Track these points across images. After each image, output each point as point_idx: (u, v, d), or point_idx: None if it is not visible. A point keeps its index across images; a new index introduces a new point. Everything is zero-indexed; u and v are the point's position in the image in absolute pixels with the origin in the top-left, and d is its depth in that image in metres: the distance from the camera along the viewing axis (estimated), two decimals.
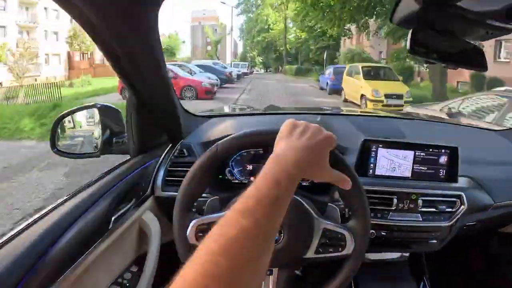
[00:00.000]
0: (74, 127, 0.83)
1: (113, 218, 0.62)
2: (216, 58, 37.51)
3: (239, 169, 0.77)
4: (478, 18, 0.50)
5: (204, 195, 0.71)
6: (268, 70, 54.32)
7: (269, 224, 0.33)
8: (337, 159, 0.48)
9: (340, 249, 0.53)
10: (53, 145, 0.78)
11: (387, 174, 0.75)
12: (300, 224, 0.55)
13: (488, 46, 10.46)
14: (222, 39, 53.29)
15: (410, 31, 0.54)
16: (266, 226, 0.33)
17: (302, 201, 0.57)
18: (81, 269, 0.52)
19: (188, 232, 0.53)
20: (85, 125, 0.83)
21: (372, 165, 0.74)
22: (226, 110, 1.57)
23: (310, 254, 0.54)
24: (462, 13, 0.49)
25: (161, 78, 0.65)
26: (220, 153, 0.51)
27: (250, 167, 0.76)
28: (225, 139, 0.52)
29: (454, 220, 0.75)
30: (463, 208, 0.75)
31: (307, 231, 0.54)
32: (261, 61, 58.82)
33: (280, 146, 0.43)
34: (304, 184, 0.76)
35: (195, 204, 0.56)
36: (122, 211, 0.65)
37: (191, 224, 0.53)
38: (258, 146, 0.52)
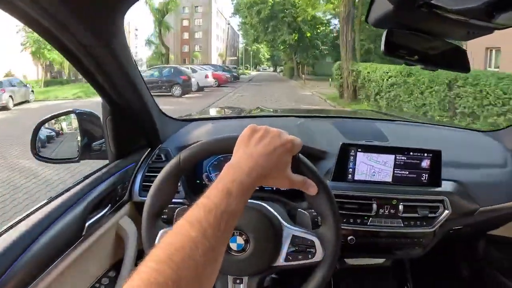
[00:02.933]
0: (54, 133, 0.83)
1: (87, 224, 0.61)
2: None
3: (216, 173, 0.76)
4: (457, 17, 0.47)
5: (180, 201, 0.70)
6: (279, 70, 43.22)
7: (217, 234, 0.33)
8: (300, 164, 0.47)
9: (310, 256, 0.51)
10: (34, 151, 0.78)
11: (366, 179, 0.73)
12: (267, 231, 0.53)
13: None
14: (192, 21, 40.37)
15: (384, 32, 0.53)
16: (214, 236, 0.33)
17: (269, 207, 0.56)
18: (55, 275, 0.52)
19: (156, 241, 0.52)
20: (65, 131, 0.83)
21: (351, 170, 0.73)
22: (212, 113, 1.56)
23: (280, 261, 0.53)
24: (438, 12, 0.47)
25: (132, 83, 0.65)
26: (183, 163, 0.51)
27: None
28: (187, 148, 0.51)
29: (438, 225, 0.73)
30: (447, 213, 0.73)
31: (275, 239, 0.53)
32: (269, 55, 47.78)
33: (238, 153, 0.43)
34: (281, 189, 0.75)
35: (165, 211, 0.56)
36: (97, 216, 0.65)
37: (159, 234, 0.52)
38: (220, 153, 0.52)
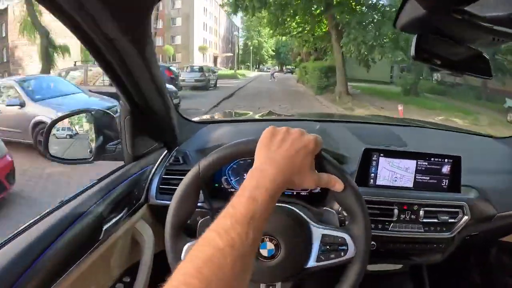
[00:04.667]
0: (67, 132, 0.81)
1: (104, 227, 0.60)
2: None
3: (236, 177, 0.75)
4: (485, 24, 0.47)
5: (199, 204, 0.69)
6: (286, 70, 35.35)
7: (246, 243, 0.33)
8: (323, 162, 0.46)
9: (342, 253, 0.50)
10: (47, 150, 0.76)
11: (388, 184, 0.72)
12: (296, 233, 0.53)
13: None
14: None
15: (415, 37, 0.52)
16: (242, 245, 0.32)
17: (296, 209, 0.55)
18: (72, 279, 0.51)
19: (182, 257, 0.51)
20: (79, 130, 0.82)
21: (373, 175, 0.72)
22: (228, 115, 1.55)
23: (312, 263, 0.52)
24: (469, 18, 0.46)
25: (155, 84, 0.63)
26: (203, 172, 0.50)
27: (246, 175, 0.74)
28: (206, 157, 0.50)
29: (457, 231, 0.73)
30: (466, 218, 0.73)
31: (305, 240, 0.52)
32: (274, 51, 38.71)
33: (259, 157, 0.42)
34: (302, 193, 0.74)
35: (188, 223, 0.54)
36: (114, 220, 0.63)
37: (184, 249, 0.51)
38: (240, 157, 0.51)
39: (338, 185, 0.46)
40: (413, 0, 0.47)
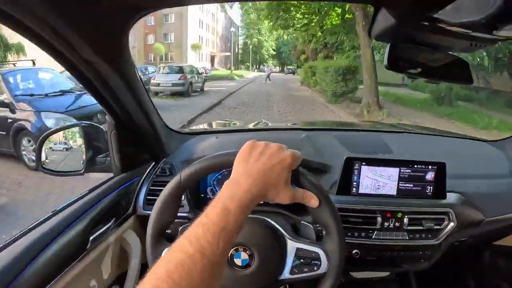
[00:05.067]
0: (59, 145, 0.84)
1: (91, 237, 0.62)
2: None
3: (221, 187, 0.76)
4: (459, 29, 0.47)
5: (184, 214, 0.71)
6: (287, 71, 33.22)
7: (216, 252, 0.34)
8: (300, 177, 0.47)
9: (315, 268, 0.51)
10: (39, 163, 0.79)
11: (371, 193, 0.73)
12: (271, 245, 0.54)
13: None
14: None
15: (388, 46, 0.53)
16: (212, 253, 0.34)
17: (272, 221, 0.56)
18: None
19: None
20: (70, 144, 0.84)
21: (355, 183, 0.73)
22: (216, 126, 1.56)
23: (285, 275, 0.53)
24: (441, 25, 0.47)
25: (137, 99, 0.65)
26: (184, 182, 0.51)
27: None
28: (187, 167, 0.52)
29: (443, 237, 0.73)
30: (452, 225, 0.73)
31: (279, 252, 0.53)
32: (275, 50, 35.66)
33: (237, 170, 0.43)
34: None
35: (169, 231, 0.56)
36: (101, 230, 0.65)
37: (163, 252, 0.53)
38: (220, 169, 0.52)
39: (313, 201, 0.47)
40: (383, 11, 0.48)
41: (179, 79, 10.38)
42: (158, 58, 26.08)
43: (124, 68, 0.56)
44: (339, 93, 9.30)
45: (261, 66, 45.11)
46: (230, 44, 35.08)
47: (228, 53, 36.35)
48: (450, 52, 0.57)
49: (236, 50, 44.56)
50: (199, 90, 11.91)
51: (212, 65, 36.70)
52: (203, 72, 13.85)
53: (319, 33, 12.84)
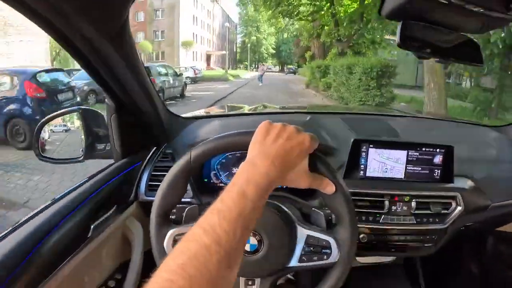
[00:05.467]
0: (57, 131, 0.81)
1: (93, 225, 0.60)
2: None
3: (225, 172, 0.75)
4: (473, 8, 0.46)
5: (188, 200, 0.69)
6: (287, 70, 31.31)
7: (233, 240, 0.32)
8: (317, 162, 0.45)
9: (325, 257, 0.50)
10: (37, 151, 0.76)
11: (378, 176, 0.72)
12: (281, 231, 0.52)
13: None
14: None
15: (399, 24, 0.51)
16: (229, 243, 0.31)
17: (283, 206, 0.55)
18: (62, 276, 0.51)
19: (165, 243, 0.51)
20: (69, 129, 0.82)
21: (362, 166, 0.72)
22: (217, 110, 1.54)
23: (294, 262, 0.51)
24: (456, 2, 0.45)
25: (139, 80, 0.63)
26: (194, 161, 0.49)
27: (235, 169, 0.74)
28: (198, 145, 0.49)
29: (450, 222, 0.72)
30: (460, 209, 0.72)
31: (289, 239, 0.52)
32: (274, 49, 33.67)
33: (253, 151, 0.41)
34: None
35: (174, 211, 0.55)
36: (103, 217, 0.63)
37: (167, 234, 0.51)
38: (233, 149, 0.50)
39: (329, 188, 0.45)
40: None
41: None
42: (144, 58, 23.52)
43: (125, 47, 0.54)
44: (369, 103, 6.85)
45: (259, 65, 43.07)
46: (227, 42, 32.97)
47: (223, 52, 33.65)
48: (462, 33, 0.56)
49: (235, 49, 42.67)
50: (178, 96, 9.71)
51: (208, 64, 34.78)
52: (181, 74, 10.67)
53: (330, 23, 10.33)
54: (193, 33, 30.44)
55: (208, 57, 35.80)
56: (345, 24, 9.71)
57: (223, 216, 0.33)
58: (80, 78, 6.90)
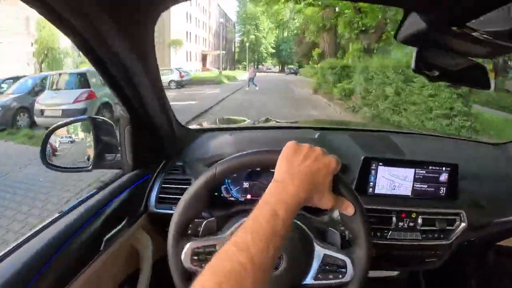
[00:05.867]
0: (66, 140, 0.81)
1: (105, 238, 0.60)
2: None
3: (236, 187, 0.75)
4: (483, 38, 0.48)
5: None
6: (288, 71, 29.19)
7: (266, 258, 0.33)
8: (339, 184, 0.47)
9: (340, 276, 0.51)
10: (44, 159, 0.76)
11: (387, 193, 0.73)
12: (300, 249, 0.53)
13: None
14: None
15: (415, 50, 0.53)
16: (262, 260, 0.33)
17: (303, 226, 0.56)
18: None
19: (182, 255, 0.52)
20: (78, 138, 0.81)
21: (372, 183, 0.73)
22: (223, 123, 1.54)
23: (309, 280, 0.52)
24: (468, 33, 0.47)
25: (157, 94, 0.63)
26: (219, 175, 0.50)
27: (246, 184, 0.75)
28: (224, 160, 0.50)
29: (454, 237, 0.74)
30: (464, 225, 0.74)
31: (306, 257, 0.53)
32: (274, 48, 31.17)
33: (281, 171, 0.42)
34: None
35: (190, 225, 0.55)
36: (114, 230, 0.63)
37: (185, 247, 0.51)
38: (260, 167, 0.51)
39: (350, 209, 0.47)
40: (414, 14, 0.48)
41: (74, 101, 5.69)
42: None
43: (149, 61, 0.54)
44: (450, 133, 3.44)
45: (259, 66, 40.60)
46: (224, 41, 29.89)
47: (220, 51, 29.94)
48: (471, 58, 0.58)
49: (233, 49, 40.18)
50: None
51: (204, 65, 32.95)
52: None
53: (351, 11, 7.60)
54: (187, 32, 28.44)
55: (204, 57, 34.24)
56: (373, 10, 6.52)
57: (256, 234, 0.34)
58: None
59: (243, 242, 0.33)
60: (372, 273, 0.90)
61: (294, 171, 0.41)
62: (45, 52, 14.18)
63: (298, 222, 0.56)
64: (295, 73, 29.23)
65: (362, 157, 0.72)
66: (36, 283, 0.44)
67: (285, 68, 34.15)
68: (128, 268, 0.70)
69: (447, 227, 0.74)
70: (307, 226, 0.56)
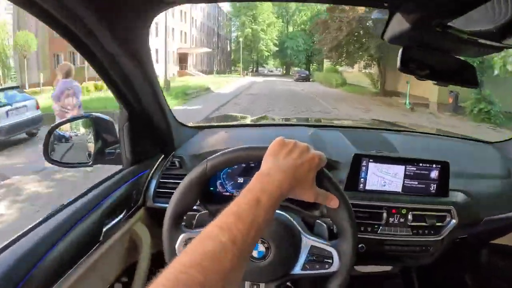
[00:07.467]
0: (67, 137, 0.83)
1: (104, 229, 0.63)
2: None
3: (230, 182, 0.78)
4: (469, 37, 0.50)
5: (194, 207, 0.72)
6: (297, 76, 21.57)
7: (246, 241, 0.34)
8: (323, 178, 0.49)
9: (327, 266, 0.54)
10: (46, 155, 0.78)
11: (377, 189, 0.75)
12: (288, 240, 0.55)
13: None
14: None
15: (401, 49, 0.55)
16: (243, 242, 0.34)
17: (290, 218, 0.58)
18: (72, 280, 0.53)
19: (176, 245, 0.54)
20: (78, 135, 0.84)
21: (362, 180, 0.75)
22: (221, 120, 1.57)
23: (297, 270, 0.55)
24: (452, 32, 0.49)
25: (153, 90, 0.66)
26: (209, 170, 0.52)
27: (241, 179, 0.77)
28: (214, 155, 0.53)
29: (445, 234, 0.76)
30: (454, 222, 0.76)
31: (294, 248, 0.55)
32: (276, 45, 23.93)
33: (267, 164, 0.44)
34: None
35: (184, 218, 0.57)
36: (113, 222, 0.66)
37: (179, 238, 0.54)
38: (247, 161, 0.53)
39: (333, 202, 0.49)
40: (398, 15, 0.50)
41: None
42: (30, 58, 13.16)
43: (144, 61, 0.57)
44: None
45: (260, 68, 32.85)
46: (216, 38, 22.66)
47: (206, 49, 23.37)
48: (458, 56, 0.60)
49: (228, 48, 31.02)
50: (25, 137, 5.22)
51: (182, 68, 23.84)
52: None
53: None
54: (171, 28, 21.15)
55: (183, 57, 24.57)
56: None
57: (238, 218, 0.35)
58: None
59: (225, 223, 0.34)
60: (365, 268, 0.92)
61: (279, 164, 0.43)
62: (25, 56, 12.03)
63: (286, 215, 0.58)
64: (307, 78, 22.22)
65: (353, 154, 0.74)
66: (37, 270, 0.46)
67: (291, 70, 27.22)
68: (126, 260, 0.72)
69: (437, 224, 0.75)
70: (294, 219, 0.58)
